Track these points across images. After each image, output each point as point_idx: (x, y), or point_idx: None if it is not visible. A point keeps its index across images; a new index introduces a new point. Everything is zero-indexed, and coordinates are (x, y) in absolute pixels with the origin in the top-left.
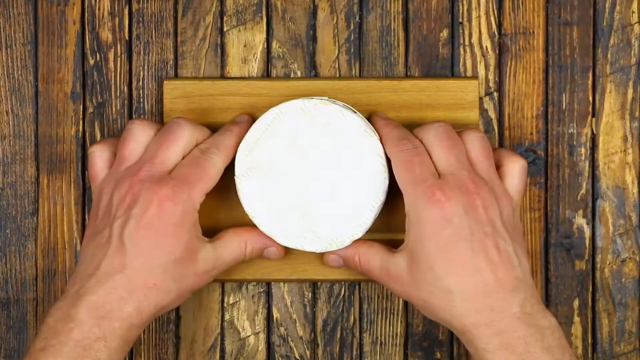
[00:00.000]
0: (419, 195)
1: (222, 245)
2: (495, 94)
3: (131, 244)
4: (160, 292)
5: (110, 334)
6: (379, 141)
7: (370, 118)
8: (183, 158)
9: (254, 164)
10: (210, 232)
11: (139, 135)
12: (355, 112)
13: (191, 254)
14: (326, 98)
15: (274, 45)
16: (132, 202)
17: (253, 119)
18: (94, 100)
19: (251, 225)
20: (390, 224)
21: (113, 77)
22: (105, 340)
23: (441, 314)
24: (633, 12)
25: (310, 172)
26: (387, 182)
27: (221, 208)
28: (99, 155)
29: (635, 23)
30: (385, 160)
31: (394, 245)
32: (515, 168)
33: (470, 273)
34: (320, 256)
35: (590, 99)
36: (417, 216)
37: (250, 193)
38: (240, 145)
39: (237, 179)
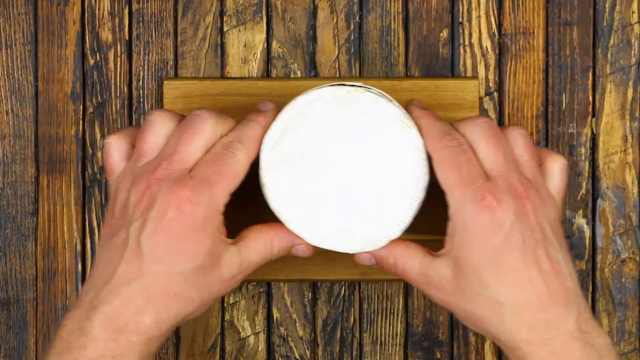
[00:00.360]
0: (467, 198)
1: (246, 246)
2: (495, 94)
3: (149, 250)
4: (182, 302)
5: (128, 349)
6: (418, 133)
7: (405, 107)
8: (207, 153)
9: (281, 156)
10: (234, 232)
11: (160, 127)
12: (391, 101)
13: (214, 259)
14: (360, 84)
15: (274, 45)
16: (150, 203)
17: (279, 107)
18: (94, 100)
19: (277, 222)
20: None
21: (113, 77)
22: (123, 357)
23: (487, 326)
24: (633, 12)
25: (342, 166)
26: (427, 177)
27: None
28: (116, 147)
29: (635, 23)
30: (425, 154)
31: (432, 247)
32: (556, 167)
33: (522, 284)
34: (320, 255)
35: (590, 99)
36: (464, 220)
37: (277, 188)
38: (266, 136)
39: (262, 173)
